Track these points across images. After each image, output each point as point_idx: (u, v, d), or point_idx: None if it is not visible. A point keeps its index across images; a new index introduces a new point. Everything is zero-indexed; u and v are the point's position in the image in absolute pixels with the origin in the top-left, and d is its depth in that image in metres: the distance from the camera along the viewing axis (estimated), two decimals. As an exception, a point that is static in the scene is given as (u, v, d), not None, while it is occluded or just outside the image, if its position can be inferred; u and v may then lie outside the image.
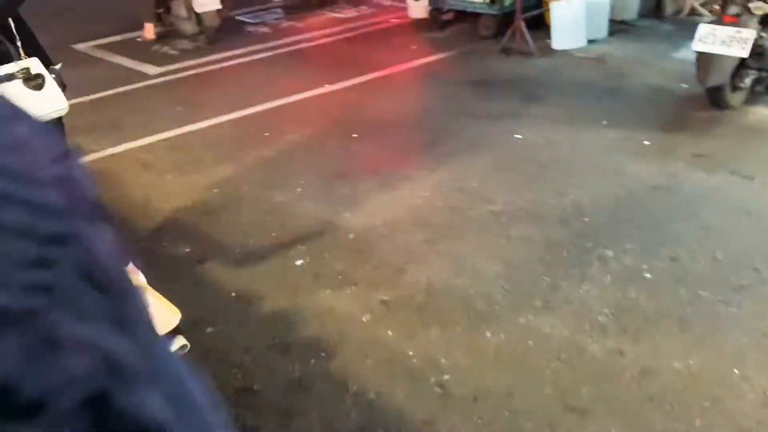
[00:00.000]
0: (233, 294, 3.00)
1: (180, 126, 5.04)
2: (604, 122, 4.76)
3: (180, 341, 1.27)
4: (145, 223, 3.69)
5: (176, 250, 3.38)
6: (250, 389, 2.45)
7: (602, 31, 6.77)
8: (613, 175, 3.98)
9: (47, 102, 2.32)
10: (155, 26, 7.65)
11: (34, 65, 2.35)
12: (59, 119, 2.55)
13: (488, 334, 2.68)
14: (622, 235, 3.32)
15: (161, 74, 6.43)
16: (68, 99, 5.30)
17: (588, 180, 3.93)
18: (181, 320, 2.81)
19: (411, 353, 2.59)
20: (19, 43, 2.40)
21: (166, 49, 7.27)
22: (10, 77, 2.28)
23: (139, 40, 7.59)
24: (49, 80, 2.36)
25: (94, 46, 7.50)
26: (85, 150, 4.67)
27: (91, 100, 5.77)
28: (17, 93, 2.26)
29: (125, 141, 4.81)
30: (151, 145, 4.76)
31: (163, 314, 1.33)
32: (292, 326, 2.76)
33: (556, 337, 2.65)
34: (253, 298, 2.96)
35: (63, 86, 2.52)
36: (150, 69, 6.59)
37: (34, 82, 2.30)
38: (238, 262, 3.26)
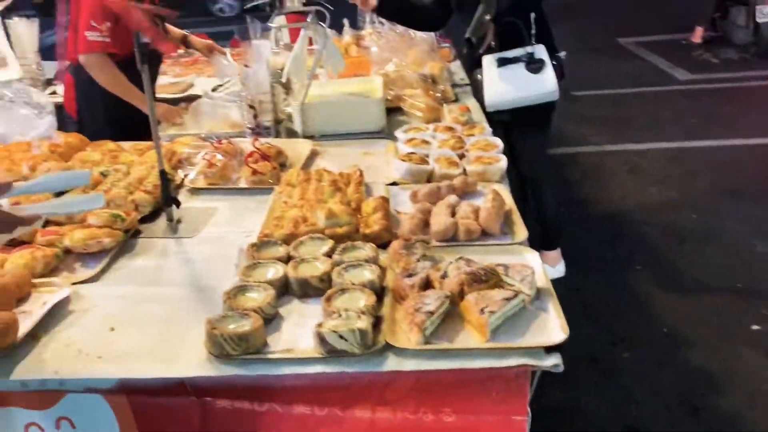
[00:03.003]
0: (665, 330, 2.77)
1: (687, 139, 4.76)
2: None
3: (554, 359, 1.27)
4: (609, 226, 3.68)
5: (628, 264, 3.29)
6: (637, 433, 2.28)
7: None
8: None
9: (540, 86, 2.55)
10: (705, 31, 7.27)
11: (538, 51, 2.59)
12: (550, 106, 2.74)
13: None
14: None
15: (691, 81, 6.12)
16: (595, 90, 5.60)
17: None
18: (604, 334, 2.81)
19: None
20: (533, 31, 2.64)
21: (707, 56, 6.85)
22: (515, 60, 2.58)
23: (683, 42, 7.35)
24: (548, 67, 2.57)
25: (637, 43, 7.60)
26: (584, 141, 4.88)
27: (613, 94, 5.93)
28: (517, 74, 2.55)
29: (625, 141, 4.82)
30: (648, 151, 4.65)
31: (553, 328, 1.35)
32: (715, 389, 2.41)
33: None
34: (685, 343, 2.68)
35: (561, 75, 2.67)
36: (681, 74, 6.34)
37: (533, 65, 2.55)
38: (685, 299, 2.97)
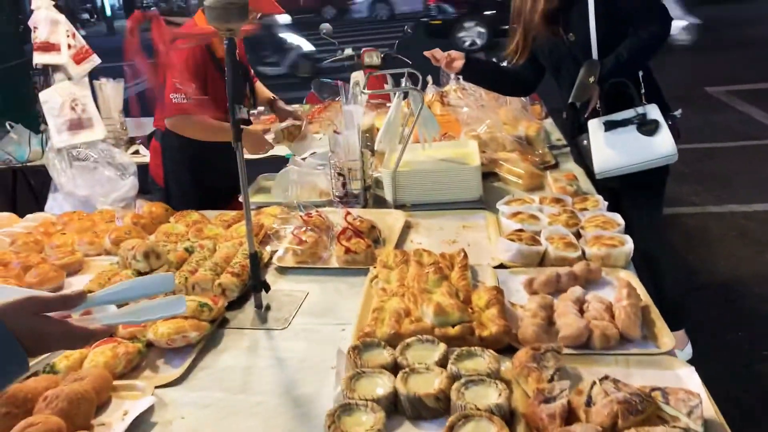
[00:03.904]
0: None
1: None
2: None
3: None
4: (724, 300, 3.31)
5: (752, 348, 2.91)
6: None
7: None
8: None
9: (656, 149, 2.35)
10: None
11: (651, 111, 2.39)
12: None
13: None
14: None
15: (796, 133, 5.68)
16: (686, 143, 5.27)
17: None
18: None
19: None
20: (642, 90, 2.42)
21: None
22: (625, 122, 2.37)
23: (780, 90, 6.89)
24: (664, 128, 2.35)
25: (728, 92, 7.18)
26: (684, 201, 4.52)
27: (708, 149, 5.54)
28: (629, 137, 2.33)
29: (730, 201, 4.43)
30: (756, 213, 4.24)
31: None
32: None
33: None
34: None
35: (677, 134, 2.43)
36: (783, 125, 5.90)
37: (646, 127, 2.35)
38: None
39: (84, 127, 3.41)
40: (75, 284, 2.00)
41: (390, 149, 2.57)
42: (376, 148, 2.48)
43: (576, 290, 1.68)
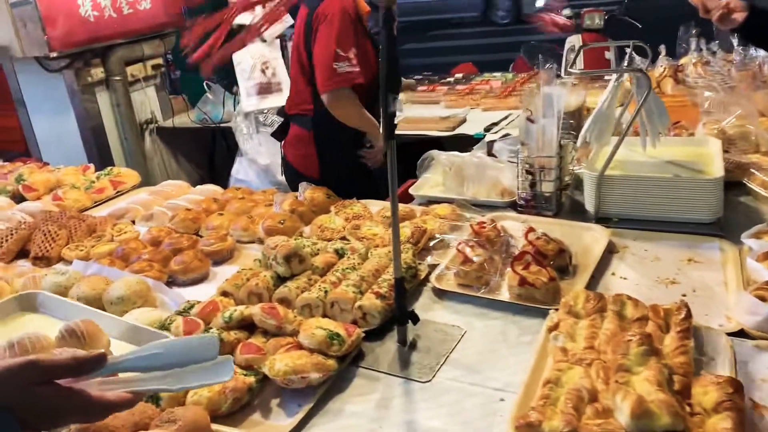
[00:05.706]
0: None
1: None
2: None
3: None
4: None
5: None
6: None
7: None
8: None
9: None
10: None
11: None
12: None
13: None
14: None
15: None
16: None
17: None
18: None
19: None
20: None
21: None
22: None
23: None
24: None
25: None
26: None
27: None
28: None
29: None
30: None
31: None
32: None
33: None
34: None
35: None
36: None
37: None
38: None
39: (272, 91, 3.33)
40: (221, 274, 1.83)
41: (599, 144, 2.04)
42: (578, 142, 1.97)
43: None
